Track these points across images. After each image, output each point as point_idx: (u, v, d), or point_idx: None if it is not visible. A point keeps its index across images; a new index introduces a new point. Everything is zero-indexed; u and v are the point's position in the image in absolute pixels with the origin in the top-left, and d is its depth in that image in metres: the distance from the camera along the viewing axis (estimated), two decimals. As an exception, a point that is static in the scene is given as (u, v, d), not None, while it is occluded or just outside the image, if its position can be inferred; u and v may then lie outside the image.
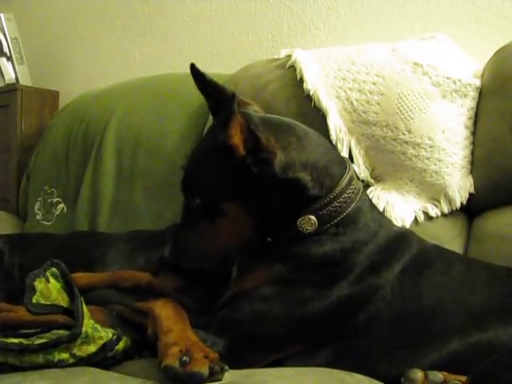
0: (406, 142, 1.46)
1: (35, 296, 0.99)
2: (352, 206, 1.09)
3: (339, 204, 1.07)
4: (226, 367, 0.88)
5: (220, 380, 0.87)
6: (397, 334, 1.02)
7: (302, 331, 1.04)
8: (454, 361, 0.98)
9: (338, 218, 1.07)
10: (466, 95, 1.46)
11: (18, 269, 1.54)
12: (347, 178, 1.10)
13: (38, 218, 2.15)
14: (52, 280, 1.02)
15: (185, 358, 0.87)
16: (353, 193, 1.10)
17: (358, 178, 1.28)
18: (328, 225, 1.07)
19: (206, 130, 1.59)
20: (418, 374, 0.94)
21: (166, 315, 1.00)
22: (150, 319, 1.01)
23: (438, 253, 1.14)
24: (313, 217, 1.06)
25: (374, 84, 1.50)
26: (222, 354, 0.93)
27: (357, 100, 1.52)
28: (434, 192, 1.45)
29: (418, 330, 1.02)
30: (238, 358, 0.98)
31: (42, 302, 0.99)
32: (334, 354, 1.03)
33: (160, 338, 0.95)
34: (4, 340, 0.91)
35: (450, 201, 1.44)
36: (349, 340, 1.03)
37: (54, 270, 1.03)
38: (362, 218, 1.09)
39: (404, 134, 1.46)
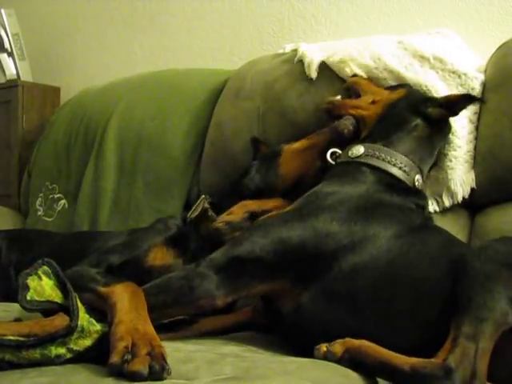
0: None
1: (29, 293, 0.99)
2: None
3: None
4: (168, 368, 0.87)
5: (162, 379, 0.86)
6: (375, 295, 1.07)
7: (290, 260, 1.09)
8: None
9: None
10: (472, 89, 1.45)
11: (14, 267, 1.54)
12: None
13: (39, 213, 2.15)
14: (44, 277, 1.01)
15: (126, 357, 0.86)
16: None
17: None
18: None
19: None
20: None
21: (121, 304, 0.98)
22: (108, 307, 1.00)
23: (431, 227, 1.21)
24: None
25: (384, 79, 1.50)
26: (218, 271, 1.06)
27: None
28: (437, 186, 1.45)
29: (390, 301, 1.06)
30: (229, 277, 1.07)
31: (37, 298, 0.99)
32: (318, 295, 1.08)
33: (111, 330, 0.94)
34: (0, 337, 0.91)
35: (452, 195, 1.44)
36: (333, 283, 1.08)
37: (46, 268, 1.03)
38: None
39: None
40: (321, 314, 1.08)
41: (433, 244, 1.12)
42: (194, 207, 1.46)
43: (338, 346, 0.99)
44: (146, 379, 0.84)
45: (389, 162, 1.25)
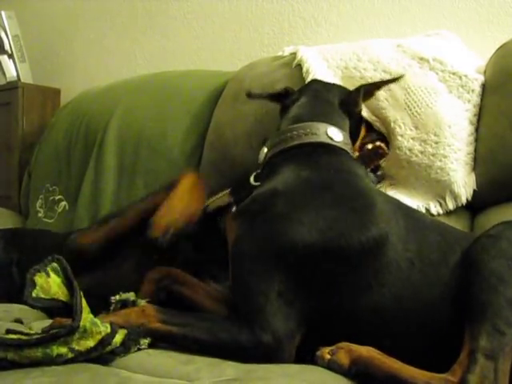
0: (413, 138, 1.46)
1: (35, 290, 1.00)
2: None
3: None
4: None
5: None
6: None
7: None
8: None
9: None
10: (473, 90, 1.46)
11: (16, 265, 1.54)
12: None
13: (39, 215, 2.15)
14: (52, 275, 1.02)
15: None
16: None
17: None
18: None
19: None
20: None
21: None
22: None
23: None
24: None
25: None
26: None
27: None
28: (440, 189, 1.45)
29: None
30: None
31: (42, 296, 1.00)
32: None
33: None
34: (3, 336, 0.91)
35: (455, 197, 1.44)
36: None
37: (55, 265, 1.03)
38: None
39: (411, 129, 1.46)
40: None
41: (433, 238, 1.06)
42: (215, 197, 1.44)
43: (343, 356, 0.92)
44: None
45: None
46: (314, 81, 1.41)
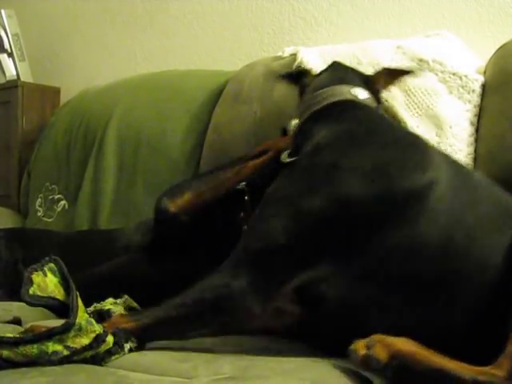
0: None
1: (32, 288, 1.01)
2: None
3: None
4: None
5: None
6: None
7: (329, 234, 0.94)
8: None
9: None
10: (473, 91, 1.46)
11: (22, 263, 1.54)
12: None
13: (39, 214, 2.15)
14: (49, 274, 1.03)
15: None
16: None
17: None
18: None
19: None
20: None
21: None
22: None
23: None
24: None
25: None
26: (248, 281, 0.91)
27: None
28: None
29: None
30: (258, 280, 0.93)
31: (39, 294, 1.00)
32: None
33: None
34: (-1, 333, 0.92)
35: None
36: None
37: (52, 265, 1.04)
38: None
39: (412, 130, 1.46)
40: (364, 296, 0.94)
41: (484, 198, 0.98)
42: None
43: (380, 350, 0.84)
44: None
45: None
46: (335, 62, 1.36)
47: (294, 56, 1.70)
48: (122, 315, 1.04)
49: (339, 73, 1.27)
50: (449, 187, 0.96)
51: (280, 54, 1.80)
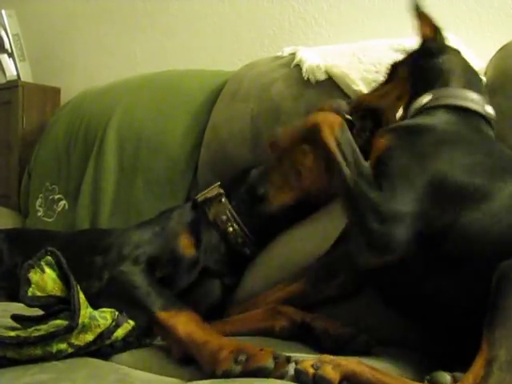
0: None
1: (31, 289, 1.00)
2: None
3: None
4: (293, 358, 0.85)
5: (286, 375, 0.84)
6: None
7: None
8: None
9: None
10: None
11: (20, 267, 1.53)
12: None
13: (39, 214, 2.15)
14: (47, 269, 1.01)
15: (241, 357, 0.85)
16: None
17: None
18: None
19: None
20: (447, 378, 0.89)
21: (193, 331, 0.98)
22: (174, 340, 1.00)
23: None
24: None
25: None
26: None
27: None
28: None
29: None
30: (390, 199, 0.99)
31: (38, 294, 1.00)
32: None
33: (198, 352, 0.93)
34: (2, 334, 0.91)
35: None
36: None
37: (49, 258, 1.02)
38: None
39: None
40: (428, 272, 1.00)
41: None
42: (205, 191, 1.46)
43: (330, 371, 0.85)
44: (269, 374, 0.83)
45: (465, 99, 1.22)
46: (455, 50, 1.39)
47: (293, 55, 1.70)
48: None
49: (476, 76, 1.33)
50: None
51: (280, 53, 1.80)
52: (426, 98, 1.23)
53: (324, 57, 1.61)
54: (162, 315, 1.05)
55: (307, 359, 0.88)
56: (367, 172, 1.05)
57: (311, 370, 0.84)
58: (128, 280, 1.15)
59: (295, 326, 1.17)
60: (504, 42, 1.53)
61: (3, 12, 2.54)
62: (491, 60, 1.52)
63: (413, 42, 1.54)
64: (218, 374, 0.86)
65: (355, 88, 1.50)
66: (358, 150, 1.09)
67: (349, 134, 1.12)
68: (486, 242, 0.97)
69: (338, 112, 1.28)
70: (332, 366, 0.85)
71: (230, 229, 1.39)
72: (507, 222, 0.97)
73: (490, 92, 1.45)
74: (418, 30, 1.40)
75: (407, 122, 1.21)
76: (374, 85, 1.48)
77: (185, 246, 1.34)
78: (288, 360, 0.86)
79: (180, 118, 1.92)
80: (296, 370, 0.85)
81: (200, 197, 1.46)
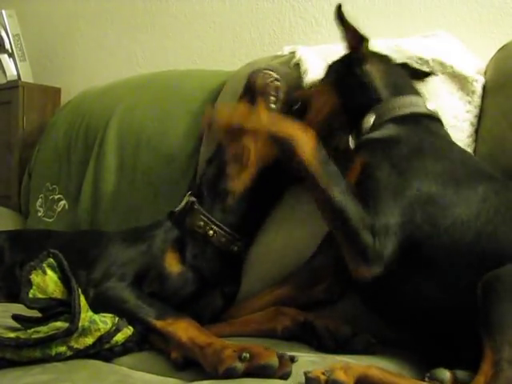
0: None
1: (32, 290, 0.99)
2: None
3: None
4: (296, 358, 0.86)
5: (289, 374, 0.84)
6: None
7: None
8: None
9: None
10: (473, 92, 1.45)
11: (19, 267, 1.54)
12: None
13: (39, 214, 2.15)
14: (49, 271, 1.01)
15: (245, 354, 0.85)
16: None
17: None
18: None
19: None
20: (446, 374, 0.93)
21: (195, 335, 0.98)
22: (174, 345, 1.00)
23: None
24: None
25: None
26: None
27: None
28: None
29: None
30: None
31: (39, 296, 0.99)
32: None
33: (201, 353, 0.93)
34: (1, 335, 0.91)
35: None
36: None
37: (51, 260, 1.02)
38: None
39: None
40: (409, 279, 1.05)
41: None
42: (181, 203, 1.46)
43: (342, 375, 0.86)
44: (275, 372, 0.84)
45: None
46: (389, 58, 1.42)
47: (293, 54, 1.69)
48: None
49: (405, 79, 1.37)
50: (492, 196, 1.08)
51: (280, 52, 1.80)
52: (371, 118, 1.26)
53: (323, 56, 1.61)
54: (159, 324, 1.04)
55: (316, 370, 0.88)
56: (352, 190, 1.08)
57: (323, 377, 0.85)
58: (115, 295, 1.15)
59: (298, 326, 1.18)
60: (504, 42, 1.53)
61: (3, 12, 2.54)
62: (491, 60, 1.52)
63: (412, 42, 1.55)
64: (221, 371, 0.85)
65: None
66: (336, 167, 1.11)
67: (324, 150, 1.12)
68: (460, 249, 1.03)
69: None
70: (343, 370, 0.86)
71: (211, 232, 1.38)
72: (476, 229, 1.03)
73: (490, 92, 1.45)
74: (345, 41, 1.42)
75: (375, 135, 1.22)
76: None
77: (170, 263, 1.33)
78: (292, 359, 0.86)
79: (180, 118, 1.92)
80: (307, 379, 0.85)
81: (176, 210, 1.46)
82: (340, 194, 1.05)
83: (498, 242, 1.02)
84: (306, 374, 0.85)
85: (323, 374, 0.85)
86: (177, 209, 1.46)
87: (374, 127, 1.24)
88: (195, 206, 1.41)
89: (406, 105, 1.26)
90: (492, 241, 1.02)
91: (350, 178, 1.14)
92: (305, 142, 1.10)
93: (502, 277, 0.92)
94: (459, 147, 1.26)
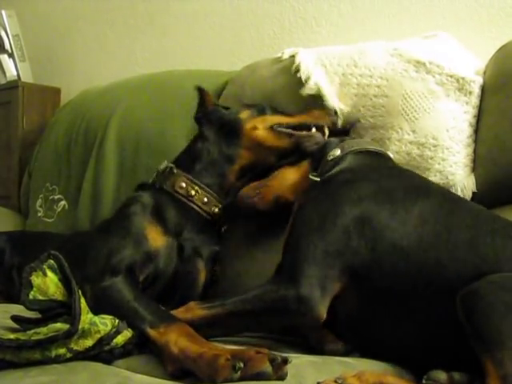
0: (411, 142, 1.46)
1: (32, 292, 0.99)
2: None
3: None
4: (290, 359, 0.86)
5: (285, 376, 0.85)
6: None
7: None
8: None
9: None
10: (471, 93, 1.45)
11: (16, 269, 1.53)
12: None
13: (39, 214, 2.15)
14: (49, 273, 1.01)
15: (238, 365, 0.85)
16: None
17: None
18: None
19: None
20: (443, 376, 0.94)
21: (186, 346, 0.97)
22: (169, 359, 0.98)
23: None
24: None
25: (378, 87, 1.51)
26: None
27: (363, 106, 1.53)
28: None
29: None
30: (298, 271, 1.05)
31: (39, 297, 0.99)
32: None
33: (195, 365, 0.92)
34: (1, 336, 0.91)
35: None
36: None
37: (52, 262, 1.02)
38: None
39: (408, 134, 1.47)
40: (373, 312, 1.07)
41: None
42: (158, 174, 1.48)
43: (355, 381, 0.88)
44: (269, 378, 0.84)
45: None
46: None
47: (293, 58, 1.69)
48: (197, 302, 1.11)
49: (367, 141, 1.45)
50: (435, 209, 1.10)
51: (280, 55, 1.80)
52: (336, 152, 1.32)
53: (322, 60, 1.61)
54: (152, 334, 1.03)
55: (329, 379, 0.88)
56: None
57: None
58: (112, 297, 1.14)
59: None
60: (503, 42, 1.53)
61: (3, 12, 2.54)
62: (490, 60, 1.52)
63: (411, 44, 1.55)
64: (218, 383, 0.86)
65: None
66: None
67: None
68: (407, 278, 1.04)
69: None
70: (357, 377, 0.88)
71: (192, 192, 1.42)
72: (418, 258, 1.04)
73: (490, 92, 1.45)
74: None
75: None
76: (367, 89, 1.52)
77: (154, 238, 1.32)
78: (285, 361, 0.86)
79: (180, 118, 1.91)
80: None
81: (152, 179, 1.48)
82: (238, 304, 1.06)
83: (444, 269, 1.02)
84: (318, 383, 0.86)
85: (336, 382, 0.86)
86: (152, 179, 1.48)
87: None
88: (174, 170, 1.44)
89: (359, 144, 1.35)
90: (437, 269, 1.03)
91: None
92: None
93: (479, 292, 0.92)
94: (401, 169, 1.31)
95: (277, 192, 1.38)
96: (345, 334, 1.11)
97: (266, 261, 1.38)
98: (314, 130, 1.45)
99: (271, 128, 1.47)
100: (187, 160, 1.50)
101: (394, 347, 1.05)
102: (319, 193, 1.20)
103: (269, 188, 1.39)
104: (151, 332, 1.04)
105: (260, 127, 1.48)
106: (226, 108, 1.61)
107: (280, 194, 1.37)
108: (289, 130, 1.46)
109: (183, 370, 0.96)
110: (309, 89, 1.57)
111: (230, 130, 1.51)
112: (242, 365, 0.85)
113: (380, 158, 1.33)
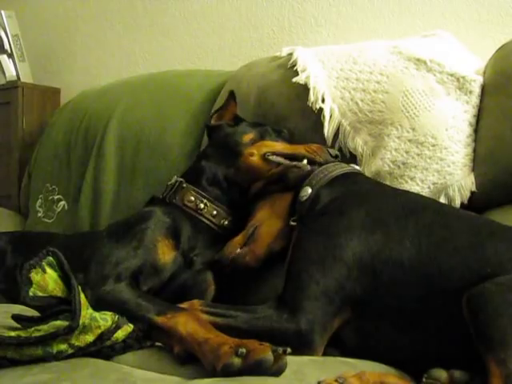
0: (410, 140, 1.46)
1: (32, 289, 1.00)
2: None
3: None
4: (289, 349, 0.87)
5: (284, 367, 0.86)
6: None
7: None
8: None
9: None
10: (471, 92, 1.45)
11: (18, 270, 1.53)
12: None
13: (39, 215, 2.15)
14: (48, 270, 1.01)
15: (241, 350, 0.86)
16: None
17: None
18: None
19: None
20: (443, 374, 0.95)
21: (194, 330, 0.99)
22: (175, 340, 1.00)
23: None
24: None
25: (378, 83, 1.50)
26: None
27: (362, 100, 1.52)
28: (435, 191, 1.45)
29: None
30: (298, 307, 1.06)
31: (39, 294, 1.00)
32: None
33: (199, 349, 0.94)
34: (2, 334, 0.91)
35: (450, 201, 1.44)
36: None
37: (51, 259, 1.02)
38: None
39: (408, 131, 1.46)
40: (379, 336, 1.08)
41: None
42: (168, 189, 1.49)
43: (356, 381, 0.89)
44: (270, 367, 0.85)
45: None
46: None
47: (290, 56, 1.69)
48: (201, 302, 1.12)
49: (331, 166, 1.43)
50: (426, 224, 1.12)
51: (278, 54, 1.80)
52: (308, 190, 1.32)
53: (320, 56, 1.61)
54: (160, 319, 1.05)
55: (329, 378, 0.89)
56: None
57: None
58: (114, 298, 1.14)
59: None
60: (503, 41, 1.53)
61: (3, 13, 2.53)
62: (490, 59, 1.52)
63: (411, 42, 1.55)
64: (219, 368, 0.87)
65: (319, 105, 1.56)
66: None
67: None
68: (409, 292, 1.06)
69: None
70: (357, 377, 0.89)
71: (201, 205, 1.43)
72: (418, 271, 1.06)
73: (490, 91, 1.45)
74: None
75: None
76: (367, 84, 1.51)
77: (163, 252, 1.33)
78: (285, 352, 0.87)
79: (180, 118, 1.92)
80: None
81: (163, 193, 1.49)
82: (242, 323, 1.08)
83: (448, 277, 1.03)
84: (319, 383, 0.87)
85: (336, 381, 0.87)
86: (164, 193, 1.48)
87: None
88: (184, 185, 1.46)
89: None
90: (441, 278, 1.04)
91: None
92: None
93: (486, 293, 0.93)
94: (382, 188, 1.33)
95: (266, 245, 1.37)
96: (350, 353, 1.11)
97: (274, 273, 1.39)
98: (305, 161, 1.42)
99: (264, 155, 1.47)
100: (194, 175, 1.51)
101: (401, 360, 1.05)
102: (314, 225, 1.21)
103: (258, 243, 1.37)
104: (158, 318, 1.05)
105: (255, 153, 1.47)
106: (236, 121, 1.61)
107: (271, 247, 1.37)
108: (278, 159, 1.45)
109: (188, 353, 0.97)
110: (300, 79, 1.58)
111: (231, 153, 1.51)
112: (244, 351, 0.86)
113: (353, 178, 1.34)
